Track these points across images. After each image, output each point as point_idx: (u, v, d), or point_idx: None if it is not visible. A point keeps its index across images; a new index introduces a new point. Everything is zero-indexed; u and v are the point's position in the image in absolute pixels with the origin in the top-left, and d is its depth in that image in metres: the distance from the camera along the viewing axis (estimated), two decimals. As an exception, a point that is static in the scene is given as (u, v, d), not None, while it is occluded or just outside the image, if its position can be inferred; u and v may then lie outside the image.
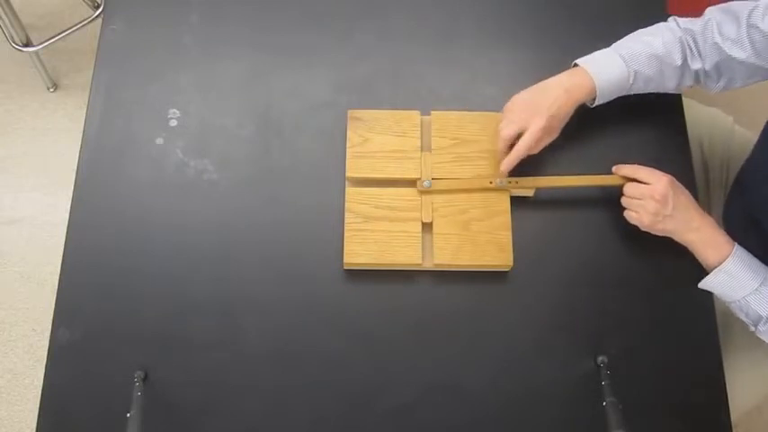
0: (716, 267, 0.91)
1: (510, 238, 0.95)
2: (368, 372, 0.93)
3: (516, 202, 0.98)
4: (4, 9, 1.64)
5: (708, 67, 0.96)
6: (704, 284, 0.94)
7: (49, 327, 0.92)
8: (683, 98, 1.10)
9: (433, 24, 1.13)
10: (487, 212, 0.96)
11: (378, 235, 0.94)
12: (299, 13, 1.12)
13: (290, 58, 1.09)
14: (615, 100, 1.00)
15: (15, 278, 1.70)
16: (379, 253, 0.94)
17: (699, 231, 0.92)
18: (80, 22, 1.81)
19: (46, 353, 0.91)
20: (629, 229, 0.99)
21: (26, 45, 1.77)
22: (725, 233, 0.93)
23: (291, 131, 1.04)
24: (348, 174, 0.97)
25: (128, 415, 0.82)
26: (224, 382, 0.91)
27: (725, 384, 0.94)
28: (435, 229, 0.95)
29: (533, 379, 0.93)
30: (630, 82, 0.97)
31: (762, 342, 0.93)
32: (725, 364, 0.95)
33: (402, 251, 0.94)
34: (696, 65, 0.97)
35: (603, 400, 0.86)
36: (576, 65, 0.99)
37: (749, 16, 0.90)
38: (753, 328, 0.92)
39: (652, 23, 1.02)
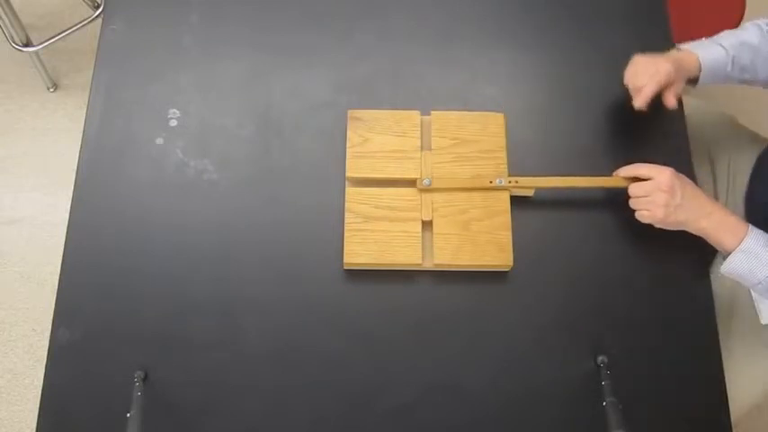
0: (734, 250, 0.89)
1: (510, 238, 0.95)
2: (368, 372, 0.93)
3: (516, 202, 0.98)
4: (4, 9, 1.64)
5: None
6: (726, 268, 0.91)
7: (49, 327, 0.92)
8: (684, 98, 1.10)
9: (433, 24, 1.13)
10: (487, 212, 0.96)
11: (378, 235, 0.94)
12: (299, 13, 1.12)
13: (290, 58, 1.09)
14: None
15: (15, 278, 1.70)
16: (379, 253, 0.94)
17: (711, 217, 0.91)
18: (80, 22, 1.81)
19: (46, 353, 0.91)
20: (629, 229, 0.99)
21: (26, 45, 1.77)
22: (736, 215, 0.92)
23: (291, 131, 1.04)
24: (348, 174, 0.97)
25: (128, 415, 0.82)
26: (224, 382, 0.91)
27: (725, 384, 0.94)
28: (435, 228, 0.95)
29: (533, 379, 0.93)
30: (729, 69, 1.00)
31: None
32: (725, 365, 0.95)
33: (402, 251, 0.94)
34: None
35: (603, 400, 0.86)
36: (678, 50, 1.03)
37: None
38: None
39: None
